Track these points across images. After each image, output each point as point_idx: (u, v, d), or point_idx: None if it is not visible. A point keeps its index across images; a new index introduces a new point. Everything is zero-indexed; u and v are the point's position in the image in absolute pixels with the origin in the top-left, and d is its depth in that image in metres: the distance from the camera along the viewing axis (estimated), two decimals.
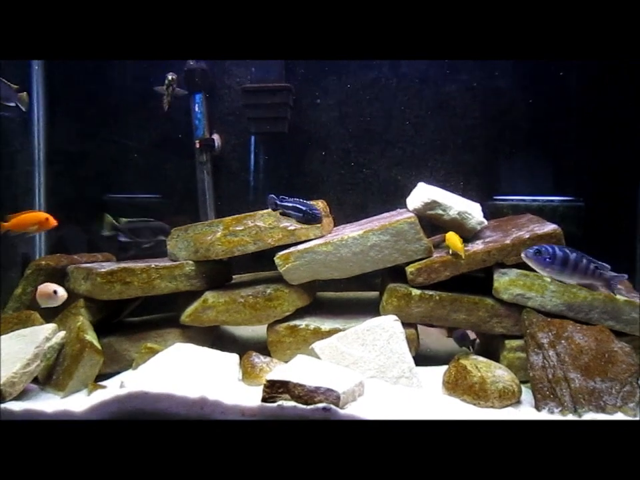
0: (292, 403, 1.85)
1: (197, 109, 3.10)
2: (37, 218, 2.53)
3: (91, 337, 2.37)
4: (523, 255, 2.02)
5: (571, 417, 1.93)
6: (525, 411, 2.01)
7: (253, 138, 3.18)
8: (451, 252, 2.36)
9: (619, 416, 1.92)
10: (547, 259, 1.96)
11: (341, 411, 1.80)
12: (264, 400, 1.93)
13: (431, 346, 2.69)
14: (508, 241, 2.31)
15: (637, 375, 2.02)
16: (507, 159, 3.10)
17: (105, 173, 3.14)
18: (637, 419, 1.90)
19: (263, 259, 2.78)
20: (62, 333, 2.38)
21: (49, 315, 2.55)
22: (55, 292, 2.36)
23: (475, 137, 3.10)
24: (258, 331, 2.78)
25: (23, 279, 2.70)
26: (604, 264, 2.03)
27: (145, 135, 3.22)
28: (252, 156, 3.20)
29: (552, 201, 2.97)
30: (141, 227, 2.85)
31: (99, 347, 2.35)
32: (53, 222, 2.54)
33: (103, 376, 2.40)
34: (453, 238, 2.31)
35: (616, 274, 2.06)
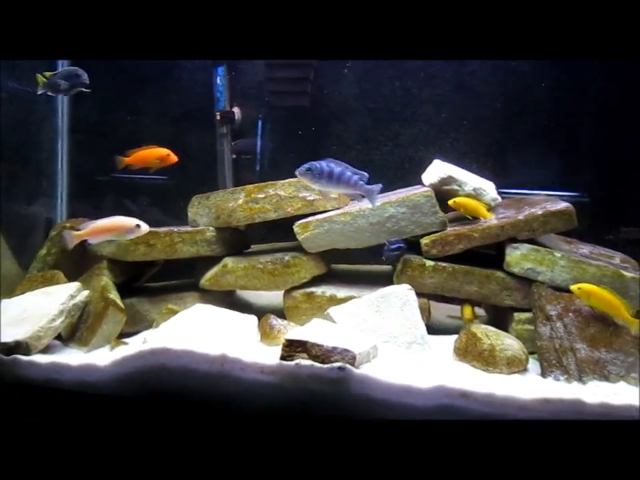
0: (309, 362, 1.92)
1: (218, 81, 3.16)
2: (158, 153, 2.52)
3: (114, 296, 2.46)
4: (296, 173, 2.10)
5: (575, 384, 2.03)
6: (531, 378, 2.10)
7: (272, 111, 3.24)
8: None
9: (622, 385, 2.01)
10: (317, 175, 2.08)
11: (356, 371, 1.88)
12: (282, 358, 2.01)
13: (441, 319, 2.78)
14: (521, 217, 2.38)
15: None
16: (520, 145, 3.15)
17: (127, 141, 3.20)
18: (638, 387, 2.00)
19: (277, 230, 2.89)
20: (86, 292, 2.47)
21: (73, 275, 2.66)
22: (138, 226, 2.27)
23: (492, 118, 3.15)
24: (273, 299, 2.87)
25: (47, 241, 2.79)
26: (364, 173, 2.15)
27: (166, 106, 3.29)
28: (270, 129, 3.26)
29: (560, 196, 2.95)
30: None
31: (122, 305, 2.44)
32: (174, 158, 2.54)
33: (124, 335, 2.49)
34: (474, 202, 2.39)
35: (374, 185, 2.17)
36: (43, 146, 3.32)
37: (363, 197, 2.18)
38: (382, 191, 2.20)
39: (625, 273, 2.28)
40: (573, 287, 2.14)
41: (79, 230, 2.31)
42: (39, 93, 2.47)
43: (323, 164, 2.09)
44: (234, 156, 2.95)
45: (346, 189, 2.14)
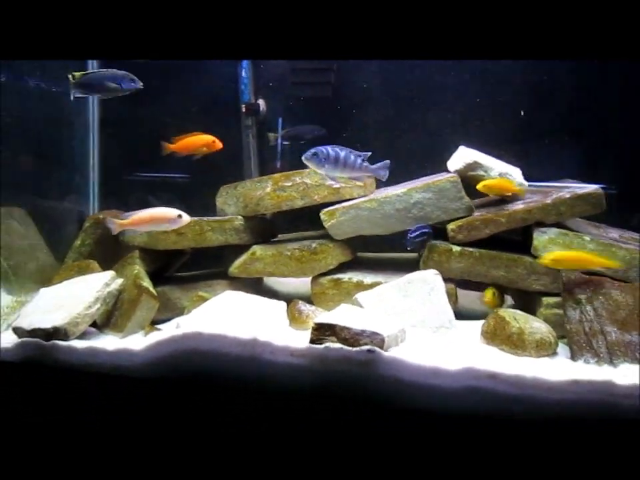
0: (338, 345, 1.96)
1: (243, 74, 3.21)
2: (204, 140, 2.55)
3: (147, 283, 2.54)
4: (303, 158, 2.18)
5: (606, 367, 2.02)
6: (561, 362, 2.10)
7: (296, 102, 3.27)
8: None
9: None
10: (323, 159, 2.16)
11: (385, 354, 1.91)
12: (312, 342, 2.05)
13: (467, 306, 2.78)
14: (549, 201, 2.38)
15: None
16: (543, 136, 3.12)
17: (155, 135, 3.29)
18: None
19: (304, 219, 2.93)
20: (120, 280, 2.55)
21: (106, 264, 2.74)
22: (180, 216, 2.34)
23: (514, 108, 3.13)
24: (300, 287, 2.92)
25: (82, 232, 2.89)
26: (366, 153, 2.24)
27: (193, 100, 3.35)
28: (295, 120, 3.30)
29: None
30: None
31: (155, 292, 2.52)
32: (219, 144, 2.58)
33: (155, 322, 2.57)
34: (503, 180, 2.42)
35: (379, 163, 2.27)
36: (74, 142, 3.42)
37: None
38: (389, 168, 2.28)
39: None
40: (542, 261, 2.25)
41: (122, 219, 2.40)
42: (76, 95, 2.51)
43: (328, 148, 2.18)
44: (287, 143, 2.98)
45: (352, 172, 2.23)
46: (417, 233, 2.45)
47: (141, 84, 2.47)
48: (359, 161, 2.20)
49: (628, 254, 2.28)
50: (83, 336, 2.37)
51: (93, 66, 3.37)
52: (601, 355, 2.05)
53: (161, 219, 2.33)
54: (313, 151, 2.18)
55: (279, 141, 3.32)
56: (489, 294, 2.44)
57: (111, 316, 2.51)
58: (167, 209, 2.35)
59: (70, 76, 2.46)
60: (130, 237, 2.70)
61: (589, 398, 1.70)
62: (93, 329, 2.50)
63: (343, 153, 2.18)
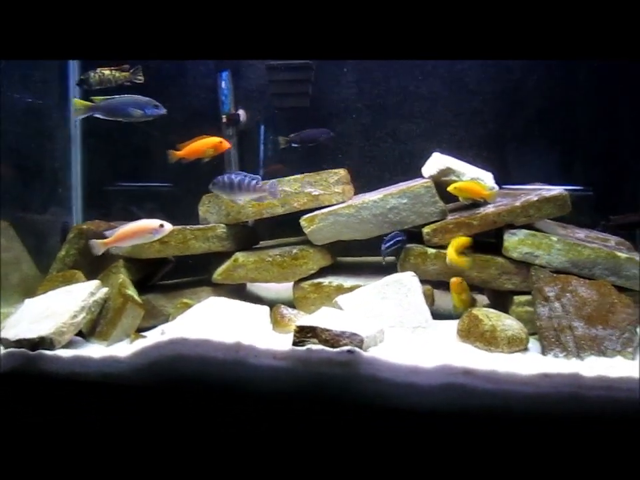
0: (319, 346, 2.02)
1: (223, 85, 3.28)
2: (212, 142, 2.61)
3: (132, 291, 2.59)
4: (210, 187, 2.53)
5: (574, 360, 2.12)
6: (532, 356, 2.20)
7: (275, 113, 3.35)
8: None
9: (619, 359, 2.10)
10: (221, 186, 2.50)
11: (365, 354, 1.98)
12: (294, 344, 2.12)
13: (444, 306, 2.88)
14: (517, 204, 2.49)
15: (635, 324, 2.20)
16: (517, 140, 3.24)
17: (137, 147, 3.34)
18: (634, 361, 2.09)
19: (285, 227, 3.01)
20: (105, 289, 2.59)
21: (91, 274, 2.77)
22: (162, 225, 2.38)
23: (487, 113, 3.25)
24: (282, 293, 2.98)
25: (66, 243, 2.92)
26: (258, 177, 2.51)
27: (174, 111, 3.40)
28: (275, 130, 3.38)
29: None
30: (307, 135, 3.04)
31: (140, 300, 2.56)
32: (227, 144, 2.66)
33: (141, 330, 2.61)
34: (472, 183, 2.54)
35: (269, 184, 2.54)
36: (57, 153, 3.46)
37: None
38: (275, 187, 2.56)
39: (620, 254, 2.38)
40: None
41: (105, 237, 2.44)
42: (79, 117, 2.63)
43: (225, 176, 2.50)
44: (296, 145, 3.05)
45: (249, 193, 2.50)
46: (391, 242, 2.57)
47: (165, 110, 2.58)
48: (253, 183, 2.45)
49: (593, 252, 2.39)
50: (68, 345, 2.39)
51: (73, 67, 3.43)
52: (569, 349, 2.15)
53: (143, 231, 2.38)
54: (214, 180, 2.50)
55: (261, 148, 3.40)
56: (455, 298, 2.52)
57: (96, 325, 2.54)
58: (148, 220, 2.40)
59: (75, 100, 2.57)
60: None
61: (558, 390, 1.80)
62: (79, 338, 2.53)
63: (237, 178, 2.46)
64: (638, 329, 2.21)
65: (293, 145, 3.09)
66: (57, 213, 3.45)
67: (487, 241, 2.75)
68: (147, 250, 2.66)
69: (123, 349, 2.19)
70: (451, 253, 2.45)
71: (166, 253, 2.70)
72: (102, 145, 3.54)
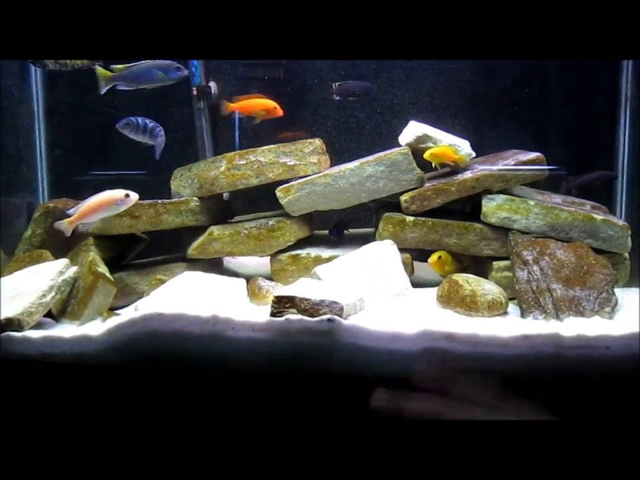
0: (298, 316, 1.99)
1: None
2: (266, 104, 2.58)
3: (103, 269, 2.49)
4: (118, 126, 2.59)
5: (553, 321, 2.13)
6: (512, 320, 2.21)
7: (247, 84, 3.26)
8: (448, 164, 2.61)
9: (596, 319, 2.12)
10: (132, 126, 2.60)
11: (345, 322, 1.95)
12: (272, 315, 2.08)
13: (423, 276, 2.87)
14: (494, 169, 2.49)
15: (612, 284, 2.22)
16: (495, 110, 3.22)
17: (105, 122, 3.21)
18: (611, 320, 2.12)
19: (261, 202, 2.95)
20: (75, 268, 2.49)
21: (60, 253, 2.67)
22: (127, 195, 2.30)
23: (464, 82, 3.22)
24: (260, 269, 2.92)
25: (32, 222, 2.79)
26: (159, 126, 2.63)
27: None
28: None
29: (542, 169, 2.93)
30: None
31: (112, 278, 2.48)
32: (280, 112, 2.61)
33: (115, 308, 2.53)
34: (445, 147, 2.53)
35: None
36: (20, 131, 3.31)
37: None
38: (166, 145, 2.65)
39: (596, 216, 2.40)
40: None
41: (69, 216, 2.33)
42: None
43: (138, 119, 2.59)
44: (338, 98, 2.97)
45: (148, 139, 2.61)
46: (337, 228, 2.68)
47: (187, 72, 2.57)
48: (157, 130, 2.58)
49: (570, 215, 2.40)
50: (38, 326, 2.30)
51: None
52: (548, 311, 2.16)
53: (108, 202, 2.29)
54: (126, 121, 2.56)
55: (237, 121, 3.31)
56: (434, 256, 2.50)
57: (67, 305, 2.45)
58: (112, 191, 2.30)
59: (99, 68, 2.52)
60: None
61: (538, 351, 1.80)
62: (49, 319, 2.43)
63: (144, 122, 2.59)
64: (614, 289, 2.24)
65: (335, 97, 3.00)
66: (21, 194, 3.31)
67: (465, 211, 2.76)
68: (117, 225, 2.56)
69: (96, 327, 2.12)
70: (433, 257, 2.49)
71: (137, 228, 2.61)
72: (66, 122, 3.41)
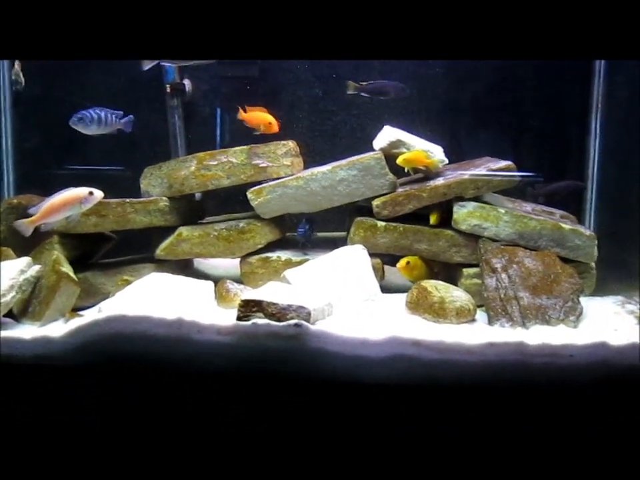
0: (265, 321, 1.96)
1: None
2: (267, 120, 2.67)
3: (66, 268, 2.43)
4: (72, 122, 2.52)
5: (519, 329, 2.15)
6: (479, 327, 2.22)
7: (223, 83, 3.21)
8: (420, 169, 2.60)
9: (561, 327, 2.15)
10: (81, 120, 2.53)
11: (312, 327, 1.93)
12: (239, 319, 2.05)
13: (394, 281, 2.87)
14: (466, 176, 2.50)
15: (578, 293, 2.25)
16: (470, 116, 3.24)
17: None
18: (576, 329, 2.15)
19: (233, 203, 2.91)
20: (37, 267, 2.42)
21: (23, 251, 2.59)
22: (91, 193, 2.23)
23: (440, 87, 3.23)
24: (230, 270, 2.88)
25: None
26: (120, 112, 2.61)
27: (113, 80, 3.22)
28: (221, 101, 3.24)
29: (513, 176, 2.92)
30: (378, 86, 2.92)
31: (75, 278, 2.41)
32: (275, 128, 2.67)
33: (79, 309, 2.46)
34: (419, 153, 2.52)
35: (124, 119, 2.61)
36: None
37: None
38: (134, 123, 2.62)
39: (564, 225, 2.43)
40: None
41: (30, 215, 2.25)
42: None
43: (92, 111, 2.53)
44: (366, 95, 2.90)
45: (108, 127, 2.56)
46: (302, 229, 2.63)
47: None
48: (111, 117, 2.54)
49: (539, 224, 2.42)
50: None
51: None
52: (515, 319, 2.18)
53: (71, 201, 2.21)
54: (79, 115, 2.50)
55: (218, 121, 3.27)
56: (403, 262, 2.49)
57: (28, 305, 2.37)
58: (75, 189, 2.23)
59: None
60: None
61: (504, 358, 1.81)
62: (9, 320, 2.36)
63: (102, 113, 2.53)
64: (580, 298, 2.27)
65: (362, 94, 2.89)
66: None
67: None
68: (82, 224, 2.49)
69: (58, 328, 2.06)
70: (401, 262, 2.48)
71: (104, 227, 2.55)
72: (35, 115, 3.31)
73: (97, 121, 2.48)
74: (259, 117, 2.72)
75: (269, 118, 2.72)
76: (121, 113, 2.56)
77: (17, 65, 2.83)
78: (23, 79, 2.85)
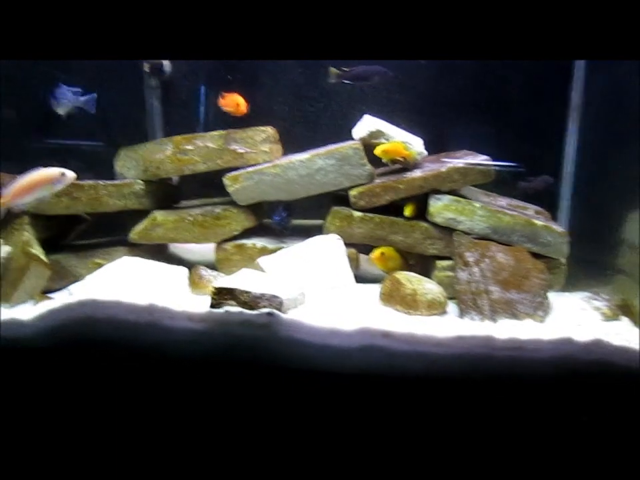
0: (238, 309, 1.97)
1: None
2: (235, 101, 2.73)
3: (37, 250, 2.38)
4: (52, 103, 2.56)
5: (487, 322, 2.19)
6: (449, 319, 2.25)
7: (204, 65, 3.15)
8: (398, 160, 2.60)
9: (529, 322, 2.19)
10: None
11: (284, 316, 1.94)
12: (211, 306, 2.05)
13: (369, 270, 2.88)
14: (443, 169, 2.49)
15: (546, 288, 2.29)
16: (452, 108, 3.24)
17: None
18: (543, 323, 2.19)
19: (210, 188, 2.87)
20: (7, 248, 2.37)
21: None
22: (64, 174, 2.19)
23: (421, 80, 3.22)
24: (206, 255, 2.86)
25: None
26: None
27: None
28: (202, 84, 3.18)
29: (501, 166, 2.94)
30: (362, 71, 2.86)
31: (46, 260, 2.37)
32: (243, 109, 2.72)
33: (50, 291, 2.42)
34: (397, 144, 2.53)
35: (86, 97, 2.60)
36: None
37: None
38: (92, 101, 2.59)
39: (536, 222, 2.45)
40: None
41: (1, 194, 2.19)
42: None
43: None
44: (347, 82, 2.87)
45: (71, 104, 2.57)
46: (278, 218, 2.64)
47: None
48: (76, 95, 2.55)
49: (512, 220, 2.45)
50: None
51: None
52: (485, 313, 2.21)
53: (42, 181, 2.17)
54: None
55: (198, 104, 3.22)
56: (377, 252, 2.49)
57: None
58: (47, 169, 2.18)
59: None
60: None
61: (472, 352, 1.84)
62: None
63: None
64: (549, 293, 2.31)
65: (344, 81, 2.86)
66: None
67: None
68: (54, 205, 2.44)
69: (27, 311, 2.03)
70: (375, 253, 2.48)
71: (76, 210, 2.50)
72: (10, 92, 3.21)
73: (51, 99, 2.46)
74: (230, 100, 2.74)
75: (238, 99, 2.72)
76: (80, 90, 2.51)
77: None
78: None
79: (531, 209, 2.72)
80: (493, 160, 2.61)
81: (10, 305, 2.27)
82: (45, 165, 2.91)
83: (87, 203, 2.49)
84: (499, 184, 2.78)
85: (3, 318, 1.94)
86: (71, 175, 2.19)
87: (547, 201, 3.03)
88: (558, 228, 2.49)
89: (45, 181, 2.17)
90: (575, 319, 2.25)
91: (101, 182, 2.52)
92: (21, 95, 3.23)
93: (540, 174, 3.04)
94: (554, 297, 2.38)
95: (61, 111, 2.52)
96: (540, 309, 2.22)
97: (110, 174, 2.76)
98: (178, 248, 3.05)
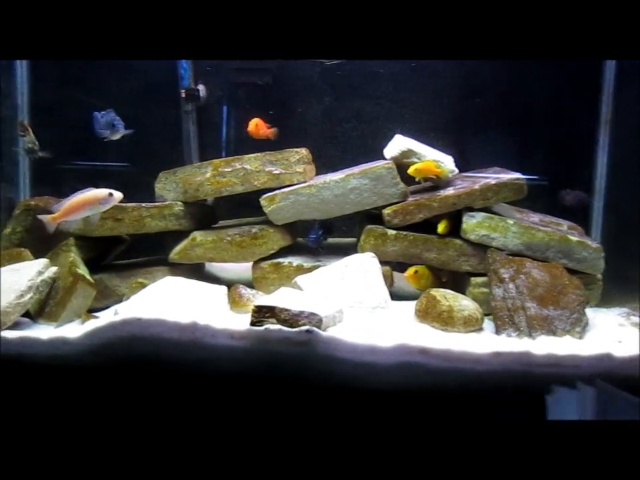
0: (277, 326, 2.01)
1: None
2: (262, 127, 2.91)
3: (83, 270, 2.49)
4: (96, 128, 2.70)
5: (525, 339, 2.19)
6: (486, 336, 2.26)
7: (237, 90, 3.27)
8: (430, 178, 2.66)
9: (567, 338, 2.18)
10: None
11: (323, 333, 1.98)
12: (252, 324, 2.10)
13: (403, 287, 2.91)
14: (476, 187, 2.53)
15: (584, 305, 2.28)
16: (479, 126, 3.27)
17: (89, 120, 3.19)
18: (581, 340, 2.18)
19: (245, 207, 2.95)
20: (54, 268, 2.48)
21: (40, 253, 2.65)
22: (111, 194, 2.28)
23: (450, 97, 3.27)
24: (241, 274, 2.94)
25: (12, 219, 2.76)
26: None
27: (130, 84, 3.28)
28: (235, 107, 3.29)
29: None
30: None
31: (91, 280, 2.47)
32: (264, 132, 2.90)
33: (93, 310, 2.51)
34: (430, 163, 2.57)
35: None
36: (1, 126, 3.26)
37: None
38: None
39: (571, 237, 2.46)
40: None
41: (52, 212, 2.29)
42: None
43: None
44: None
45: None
46: (314, 235, 2.68)
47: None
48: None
49: (546, 236, 2.46)
50: (15, 326, 2.29)
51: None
52: (521, 329, 2.22)
53: (91, 201, 2.27)
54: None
55: (224, 129, 3.33)
56: (411, 270, 2.54)
57: (45, 305, 2.43)
58: (95, 189, 2.28)
59: None
60: (64, 224, 2.62)
61: (509, 368, 1.85)
62: (26, 319, 2.42)
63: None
64: (585, 309, 2.30)
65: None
66: (2, 190, 3.27)
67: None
68: (99, 227, 2.55)
69: (74, 330, 2.11)
70: (409, 271, 2.53)
71: (119, 231, 2.61)
72: (52, 118, 3.36)
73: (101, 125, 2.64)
74: (257, 125, 2.88)
75: (257, 121, 2.86)
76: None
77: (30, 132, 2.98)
78: (37, 145, 2.99)
79: (564, 225, 2.72)
80: (524, 176, 2.65)
81: (57, 324, 2.36)
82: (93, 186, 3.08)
83: (130, 225, 2.60)
84: (530, 200, 2.80)
85: (50, 336, 2.02)
86: (118, 195, 2.29)
87: (579, 215, 3.05)
88: (593, 243, 2.49)
89: (93, 201, 2.27)
90: (614, 334, 2.24)
91: (143, 204, 2.63)
92: (61, 121, 3.40)
93: (572, 189, 3.05)
94: (590, 313, 2.36)
95: (113, 136, 2.66)
96: (577, 325, 2.22)
97: (143, 197, 2.84)
98: (214, 267, 3.13)
